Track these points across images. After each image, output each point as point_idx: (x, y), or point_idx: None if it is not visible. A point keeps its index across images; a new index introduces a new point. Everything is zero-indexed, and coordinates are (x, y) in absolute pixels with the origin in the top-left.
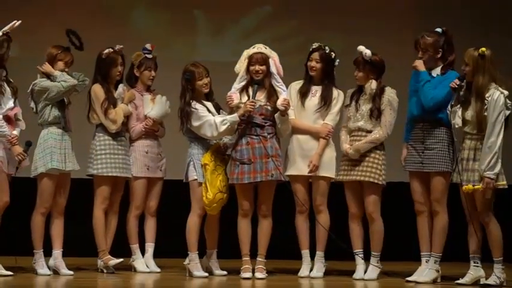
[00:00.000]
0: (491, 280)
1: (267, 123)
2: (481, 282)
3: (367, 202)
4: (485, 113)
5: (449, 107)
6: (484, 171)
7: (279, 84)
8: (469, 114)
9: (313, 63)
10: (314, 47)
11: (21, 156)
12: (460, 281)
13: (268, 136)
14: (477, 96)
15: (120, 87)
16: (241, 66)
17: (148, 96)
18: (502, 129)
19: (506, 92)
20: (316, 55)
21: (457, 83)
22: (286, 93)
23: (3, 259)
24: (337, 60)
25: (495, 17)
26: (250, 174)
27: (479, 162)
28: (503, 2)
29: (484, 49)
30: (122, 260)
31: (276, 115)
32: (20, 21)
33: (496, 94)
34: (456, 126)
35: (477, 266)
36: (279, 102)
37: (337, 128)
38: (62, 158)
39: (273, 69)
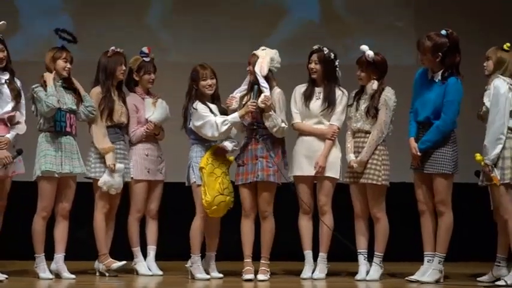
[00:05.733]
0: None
1: (260, 126)
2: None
3: (371, 203)
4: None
5: None
6: (485, 158)
7: (261, 82)
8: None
9: (312, 65)
10: (313, 48)
11: (6, 160)
12: (481, 278)
13: (260, 138)
14: None
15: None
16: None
17: (150, 99)
18: (502, 116)
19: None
20: (315, 57)
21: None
22: (268, 91)
23: (4, 263)
24: (338, 61)
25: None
26: (243, 175)
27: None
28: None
29: (508, 44)
30: (124, 262)
31: (263, 114)
32: (2, 22)
33: (497, 81)
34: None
35: (498, 266)
36: (259, 100)
37: (343, 128)
38: (58, 161)
39: (256, 68)
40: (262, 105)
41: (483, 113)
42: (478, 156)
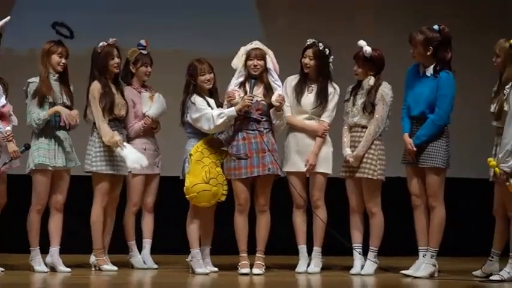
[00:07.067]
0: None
1: (263, 119)
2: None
3: (366, 197)
4: (505, 104)
5: None
6: (499, 163)
7: (274, 80)
8: (494, 106)
9: (306, 60)
10: (308, 43)
11: (14, 154)
12: (474, 273)
13: (265, 131)
14: (504, 88)
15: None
16: (238, 61)
17: (146, 94)
18: None
19: None
20: (309, 52)
21: None
22: (282, 89)
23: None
24: (332, 57)
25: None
26: (247, 169)
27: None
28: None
29: None
30: (116, 268)
31: (271, 111)
32: (9, 17)
33: None
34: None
35: (491, 261)
36: (274, 98)
37: (334, 124)
38: (51, 154)
39: (269, 65)
40: (277, 104)
41: (503, 114)
42: (492, 162)
